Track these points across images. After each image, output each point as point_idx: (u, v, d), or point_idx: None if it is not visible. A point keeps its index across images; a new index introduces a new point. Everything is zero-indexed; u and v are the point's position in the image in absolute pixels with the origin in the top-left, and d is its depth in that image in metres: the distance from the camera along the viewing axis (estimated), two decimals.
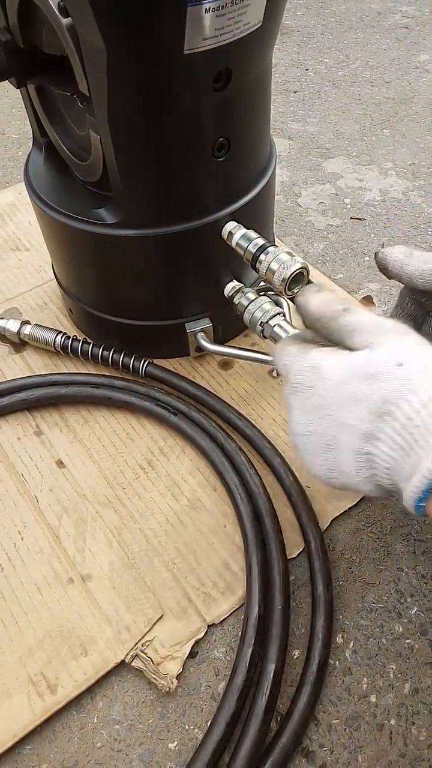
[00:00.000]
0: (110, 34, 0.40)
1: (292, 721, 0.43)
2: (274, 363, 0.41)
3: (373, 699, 0.46)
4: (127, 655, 0.46)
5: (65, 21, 0.43)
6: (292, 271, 0.51)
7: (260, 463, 0.56)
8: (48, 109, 0.56)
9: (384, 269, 0.45)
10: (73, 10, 0.41)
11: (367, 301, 0.70)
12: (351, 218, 0.80)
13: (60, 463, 0.57)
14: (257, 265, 0.53)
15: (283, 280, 0.51)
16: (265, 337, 0.58)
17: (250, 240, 0.54)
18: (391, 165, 0.88)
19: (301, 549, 0.52)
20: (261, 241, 0.53)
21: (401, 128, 0.93)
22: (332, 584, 0.49)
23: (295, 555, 0.51)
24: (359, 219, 0.80)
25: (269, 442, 0.56)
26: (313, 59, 1.10)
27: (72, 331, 0.68)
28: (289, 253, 0.53)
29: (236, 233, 0.54)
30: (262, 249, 0.53)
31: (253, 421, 0.59)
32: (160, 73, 0.43)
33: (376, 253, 0.46)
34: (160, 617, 0.48)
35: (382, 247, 0.51)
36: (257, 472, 0.54)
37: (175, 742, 0.44)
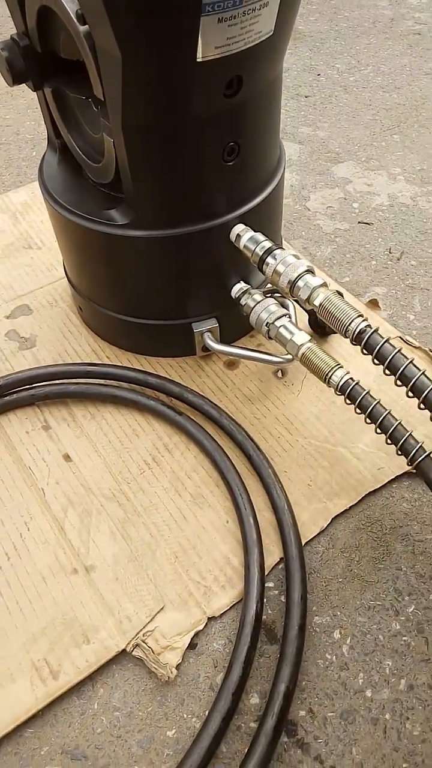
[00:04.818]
0: (126, 42, 0.41)
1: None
2: None
3: (368, 694, 0.46)
4: (129, 644, 0.47)
5: (83, 28, 0.44)
6: (298, 273, 0.53)
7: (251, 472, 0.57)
8: (63, 112, 0.58)
9: None
10: (91, 18, 0.43)
11: (373, 304, 0.71)
12: (359, 222, 0.81)
13: (67, 457, 0.59)
14: (264, 267, 0.54)
15: (290, 281, 0.53)
16: (270, 337, 0.59)
17: (257, 243, 0.55)
18: (400, 170, 0.88)
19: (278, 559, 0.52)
20: (268, 244, 0.55)
21: (411, 134, 0.94)
22: (306, 596, 0.49)
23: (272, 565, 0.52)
24: (367, 223, 0.81)
25: (262, 452, 0.57)
26: (325, 64, 1.11)
27: (81, 329, 0.70)
28: (295, 256, 0.54)
29: (244, 236, 0.55)
30: (269, 252, 0.54)
31: (257, 419, 0.61)
32: (174, 80, 0.44)
33: None
34: (161, 608, 0.49)
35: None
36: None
37: (173, 731, 0.45)
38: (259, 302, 0.59)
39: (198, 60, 0.43)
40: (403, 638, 0.49)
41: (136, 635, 0.48)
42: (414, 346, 0.65)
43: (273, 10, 0.44)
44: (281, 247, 0.55)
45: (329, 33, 1.18)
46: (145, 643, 0.47)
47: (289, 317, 0.59)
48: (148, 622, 0.48)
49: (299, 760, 0.44)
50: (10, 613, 0.49)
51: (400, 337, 0.66)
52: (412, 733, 0.45)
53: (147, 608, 0.49)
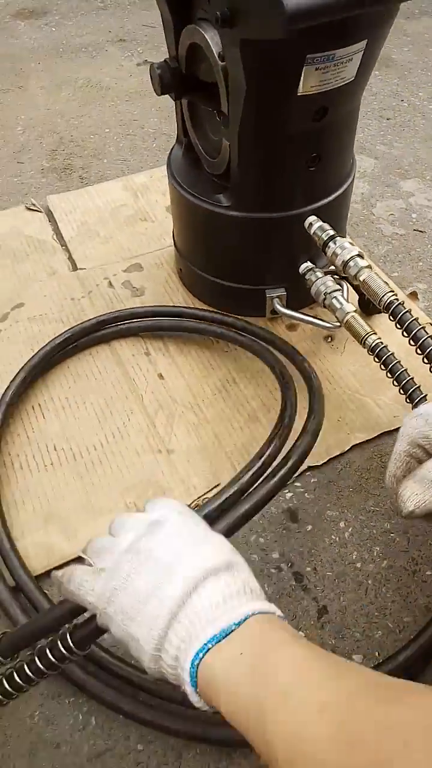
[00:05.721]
0: (251, 79, 0.60)
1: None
2: None
3: (358, 565, 0.64)
4: (192, 503, 0.66)
5: (221, 64, 0.63)
6: (351, 255, 0.70)
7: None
8: (193, 118, 0.77)
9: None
10: (228, 59, 0.61)
11: (413, 296, 0.87)
12: (414, 230, 0.97)
13: (160, 376, 0.78)
14: (326, 249, 0.72)
15: (343, 261, 0.70)
16: (325, 306, 0.76)
17: (324, 230, 0.72)
18: None
19: None
20: (332, 232, 0.72)
21: None
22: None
23: None
24: (421, 231, 0.97)
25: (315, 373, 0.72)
26: (409, 92, 1.26)
27: (179, 286, 0.89)
28: (351, 243, 0.71)
29: (315, 224, 0.73)
30: (332, 238, 0.71)
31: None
32: (279, 107, 0.63)
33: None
34: (217, 485, 0.68)
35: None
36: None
37: None
38: (320, 278, 0.77)
39: (298, 94, 0.61)
40: (391, 534, 0.66)
41: (198, 498, 0.67)
42: None
43: (355, 64, 0.61)
44: (341, 236, 0.72)
45: (417, 63, 1.33)
46: None
47: (342, 292, 0.76)
48: (207, 492, 0.67)
49: (302, 597, 0.62)
50: (113, 472, 0.69)
51: (430, 323, 0.82)
52: (385, 595, 0.62)
53: (207, 482, 0.68)
